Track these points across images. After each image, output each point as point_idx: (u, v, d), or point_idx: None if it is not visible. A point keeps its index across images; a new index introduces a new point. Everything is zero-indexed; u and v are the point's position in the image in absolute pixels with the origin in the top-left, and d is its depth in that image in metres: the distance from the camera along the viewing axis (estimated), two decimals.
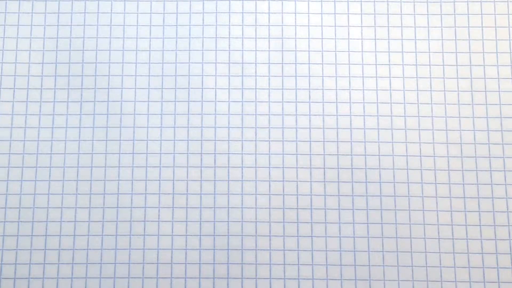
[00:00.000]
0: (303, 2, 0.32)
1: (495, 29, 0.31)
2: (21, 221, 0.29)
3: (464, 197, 0.29)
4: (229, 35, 0.32)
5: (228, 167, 0.30)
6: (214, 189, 0.30)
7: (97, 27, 0.32)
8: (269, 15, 0.32)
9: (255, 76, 0.31)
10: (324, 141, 0.30)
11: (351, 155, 0.30)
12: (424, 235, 0.29)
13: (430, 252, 0.29)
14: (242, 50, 0.32)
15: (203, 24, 0.32)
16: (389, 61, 0.31)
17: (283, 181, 0.30)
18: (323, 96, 0.31)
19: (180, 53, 0.32)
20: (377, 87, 0.31)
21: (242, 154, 0.30)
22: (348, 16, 0.31)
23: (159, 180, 0.30)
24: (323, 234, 0.29)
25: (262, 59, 0.31)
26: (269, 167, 0.30)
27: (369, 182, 0.29)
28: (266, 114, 0.31)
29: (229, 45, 0.32)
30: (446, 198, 0.29)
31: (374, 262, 0.28)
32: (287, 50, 0.31)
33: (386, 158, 0.30)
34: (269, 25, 0.32)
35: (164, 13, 0.32)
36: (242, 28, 0.32)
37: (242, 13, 0.32)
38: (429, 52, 0.31)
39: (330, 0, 0.32)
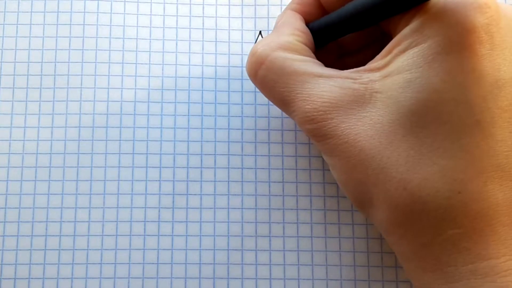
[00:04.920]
0: None
1: None
2: (21, 222, 0.29)
3: None
4: (229, 39, 0.32)
5: (228, 168, 0.31)
6: (214, 189, 0.30)
7: (97, 27, 0.32)
8: (268, 19, 0.33)
9: None
10: None
11: None
12: None
13: None
14: (242, 54, 0.32)
15: (203, 27, 0.32)
16: None
17: (282, 182, 0.30)
18: None
19: (180, 55, 0.32)
20: None
21: (242, 155, 0.31)
22: None
23: (159, 180, 0.30)
24: (323, 235, 0.30)
25: None
26: (269, 169, 0.31)
27: None
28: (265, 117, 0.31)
29: (229, 49, 0.32)
30: None
31: (372, 263, 0.29)
32: None
33: None
34: (268, 30, 0.33)
35: (164, 15, 0.32)
36: (242, 32, 0.32)
37: (242, 18, 0.33)
38: None
39: None
